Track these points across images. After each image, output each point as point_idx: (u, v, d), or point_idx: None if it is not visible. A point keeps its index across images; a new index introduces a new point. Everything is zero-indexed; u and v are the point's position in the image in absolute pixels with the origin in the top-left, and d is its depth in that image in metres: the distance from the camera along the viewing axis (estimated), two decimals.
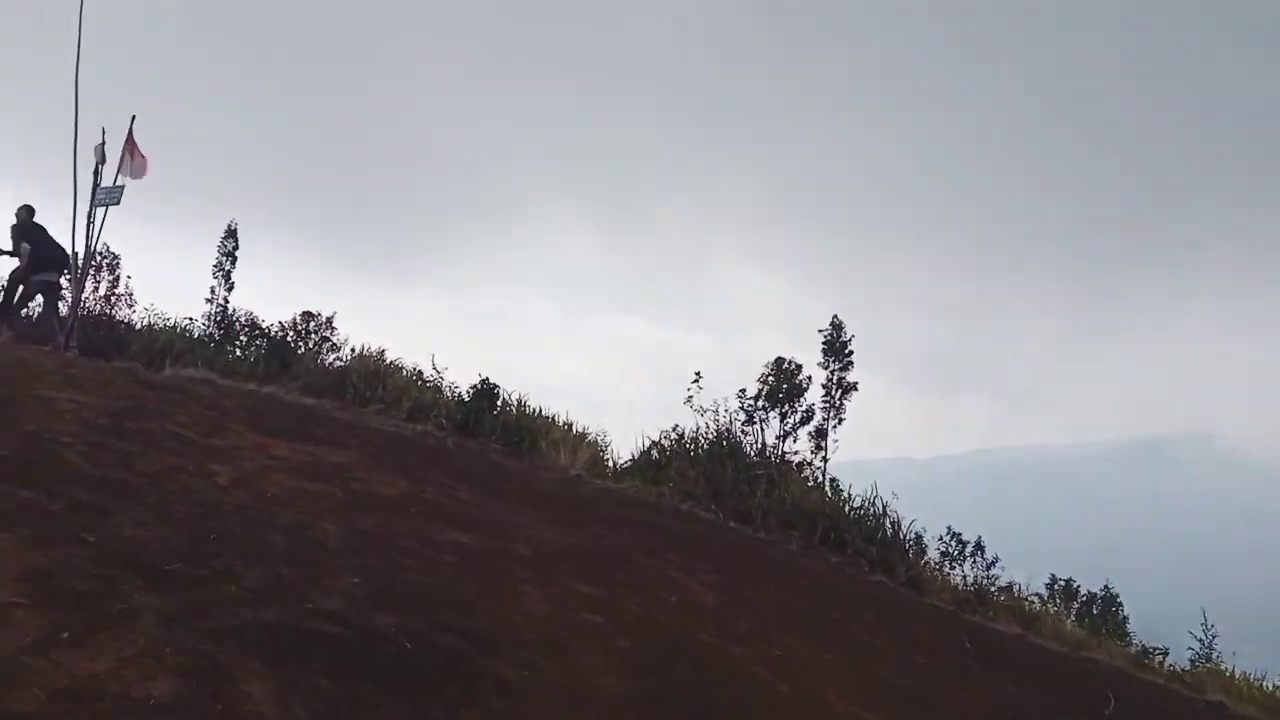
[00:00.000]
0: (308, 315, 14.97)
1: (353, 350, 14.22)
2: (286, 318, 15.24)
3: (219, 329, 14.51)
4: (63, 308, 12.71)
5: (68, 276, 13.47)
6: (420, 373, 13.71)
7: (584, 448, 12.49)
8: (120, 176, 12.26)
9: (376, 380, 12.91)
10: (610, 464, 12.85)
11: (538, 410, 12.46)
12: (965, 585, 10.77)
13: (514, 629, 4.35)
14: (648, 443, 12.83)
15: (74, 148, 13.02)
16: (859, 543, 10.09)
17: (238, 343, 14.53)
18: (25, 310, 13.13)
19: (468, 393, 12.18)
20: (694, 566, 6.74)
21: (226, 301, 14.70)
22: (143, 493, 4.68)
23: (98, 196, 12.23)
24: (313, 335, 15.21)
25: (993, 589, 11.32)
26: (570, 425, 13.20)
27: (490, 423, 11.88)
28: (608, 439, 13.59)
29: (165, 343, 14.28)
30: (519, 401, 12.46)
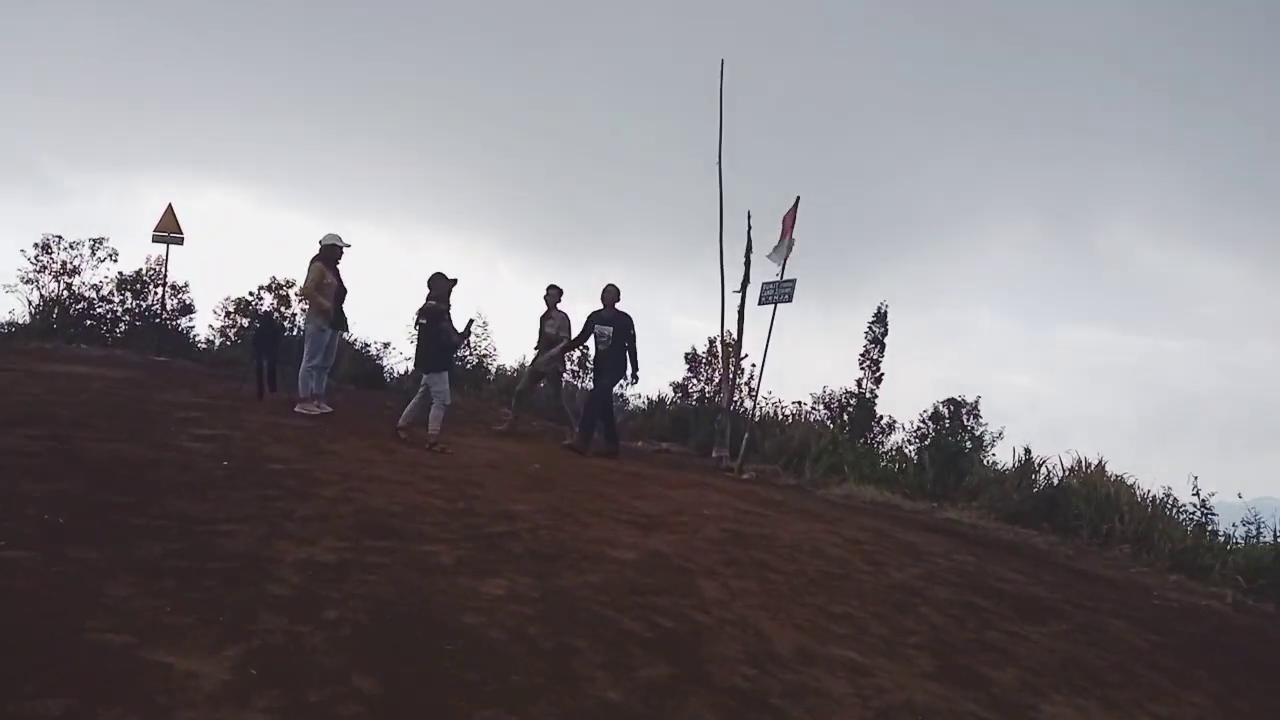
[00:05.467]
0: (953, 404, 12.46)
1: (1017, 450, 11.19)
2: (925, 406, 12.92)
3: (857, 426, 12.58)
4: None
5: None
6: (1153, 494, 10.21)
7: None
8: (783, 262, 10.80)
9: (1110, 509, 9.71)
10: None
11: None
12: None
13: None
14: None
15: (719, 234, 12.10)
16: None
17: (879, 444, 12.47)
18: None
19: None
20: None
21: (874, 395, 12.75)
22: None
23: (765, 293, 10.89)
24: (955, 425, 12.69)
25: None
26: None
27: None
28: None
29: (801, 442, 12.75)
30: None
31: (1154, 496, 9.95)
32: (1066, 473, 10.52)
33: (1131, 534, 9.43)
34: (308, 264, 8.56)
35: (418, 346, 8.29)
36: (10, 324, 13.43)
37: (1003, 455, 12.72)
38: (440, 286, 8.15)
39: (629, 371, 9.59)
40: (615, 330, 9.42)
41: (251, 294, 15.35)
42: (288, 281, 15.25)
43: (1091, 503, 9.73)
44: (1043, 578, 6.79)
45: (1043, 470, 11.34)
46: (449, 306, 8.22)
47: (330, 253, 8.60)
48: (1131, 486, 10.04)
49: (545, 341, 9.98)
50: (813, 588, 5.10)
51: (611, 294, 9.51)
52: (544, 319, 10.01)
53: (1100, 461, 10.41)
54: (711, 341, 14.57)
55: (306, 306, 8.89)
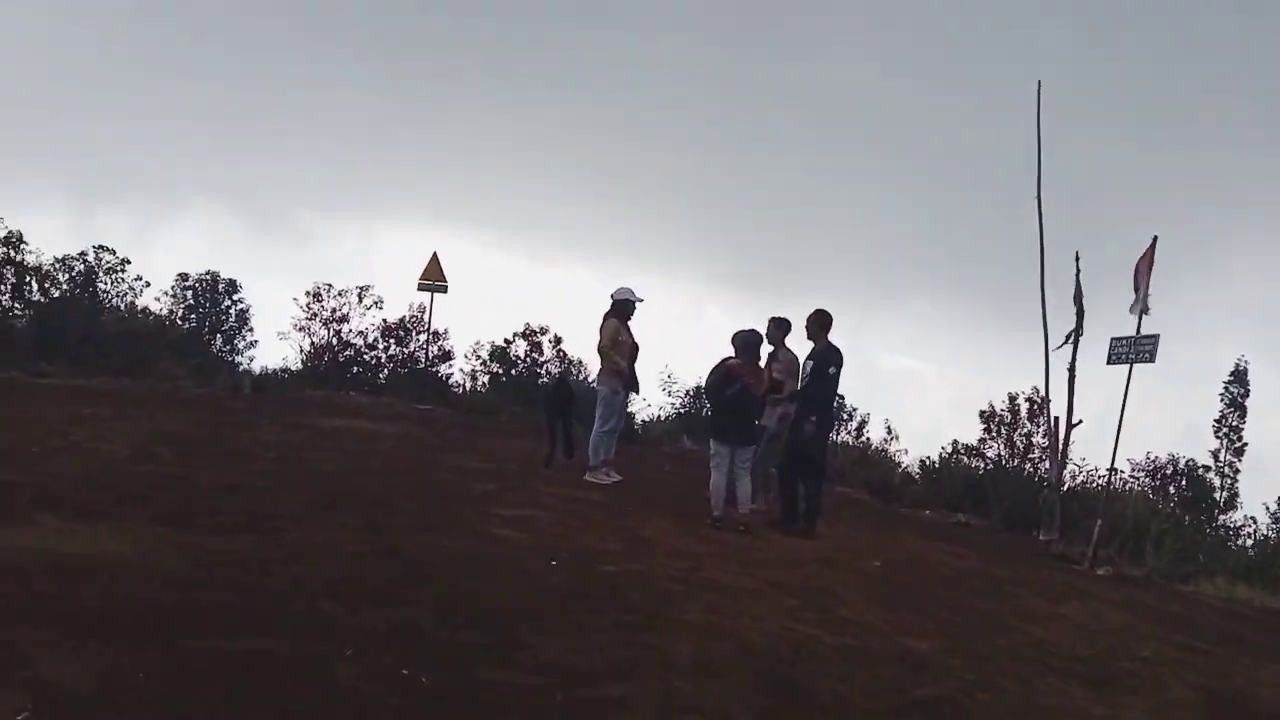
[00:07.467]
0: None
1: None
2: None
3: (1198, 502, 10.24)
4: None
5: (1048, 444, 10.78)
6: None
7: None
8: (1140, 315, 8.89)
9: None
10: None
11: None
12: None
13: None
14: None
15: (1040, 277, 10.34)
16: None
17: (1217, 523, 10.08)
18: None
19: None
20: None
21: (1235, 470, 10.37)
22: None
23: (1116, 350, 9.01)
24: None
25: None
26: None
27: None
28: None
29: (1139, 523, 10.57)
30: None
31: None
32: None
33: None
34: (601, 320, 7.80)
35: (725, 416, 7.04)
36: (285, 370, 13.94)
37: None
38: (753, 349, 6.95)
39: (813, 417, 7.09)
40: (814, 366, 7.20)
41: (507, 341, 15.24)
42: (541, 329, 15.01)
43: None
44: None
45: None
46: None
47: (623, 309, 7.79)
48: None
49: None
50: None
51: (816, 323, 7.25)
52: (770, 359, 7.68)
53: None
54: (1013, 398, 12.70)
55: (599, 366, 8.11)
